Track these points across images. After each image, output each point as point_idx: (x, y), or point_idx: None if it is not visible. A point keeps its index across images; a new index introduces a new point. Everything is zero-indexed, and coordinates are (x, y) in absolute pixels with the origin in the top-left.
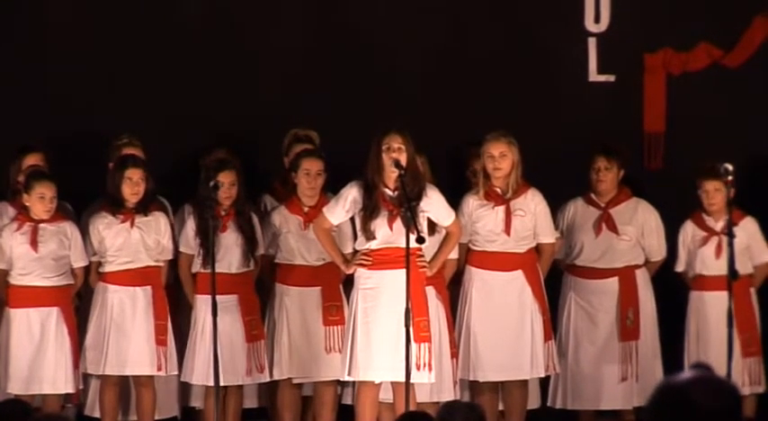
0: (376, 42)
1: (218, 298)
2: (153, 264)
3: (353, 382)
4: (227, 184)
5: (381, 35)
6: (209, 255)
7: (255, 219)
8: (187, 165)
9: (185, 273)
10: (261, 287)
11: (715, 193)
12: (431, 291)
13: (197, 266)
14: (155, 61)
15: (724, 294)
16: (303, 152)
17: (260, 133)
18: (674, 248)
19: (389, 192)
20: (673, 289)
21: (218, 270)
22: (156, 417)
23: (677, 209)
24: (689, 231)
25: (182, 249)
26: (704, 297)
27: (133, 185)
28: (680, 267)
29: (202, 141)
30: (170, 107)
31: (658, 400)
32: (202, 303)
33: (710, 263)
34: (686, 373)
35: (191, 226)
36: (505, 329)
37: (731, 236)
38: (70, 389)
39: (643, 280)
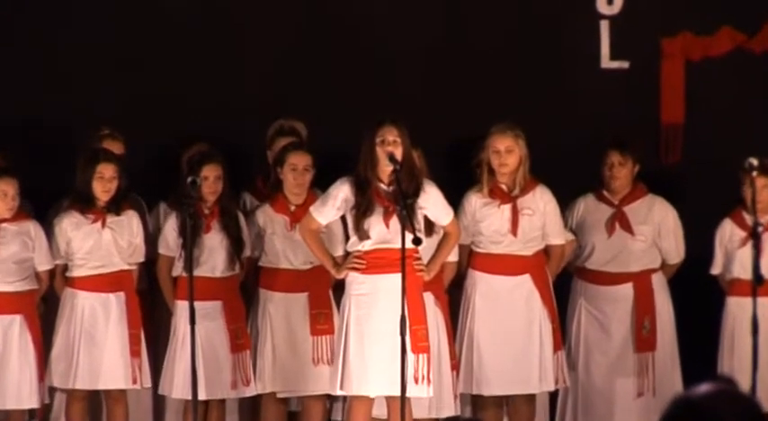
0: (369, 26)
1: (201, 304)
2: (126, 267)
3: (344, 397)
4: (211, 179)
5: (375, 19)
6: (189, 257)
7: (242, 218)
8: (161, 160)
9: (165, 277)
10: (245, 293)
11: (762, 190)
12: (429, 297)
13: (178, 270)
14: (128, 48)
15: (765, 301)
16: (289, 145)
17: (240, 124)
18: (700, 248)
19: (384, 188)
20: (692, 293)
21: (200, 274)
22: None
23: (697, 206)
24: (727, 230)
25: (161, 251)
26: (742, 303)
27: (105, 183)
28: (716, 270)
29: (176, 133)
30: (144, 97)
31: (673, 415)
32: (183, 310)
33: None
34: (705, 386)
35: (171, 225)
36: (511, 338)
37: (756, 237)
38: (35, 405)
39: (660, 285)
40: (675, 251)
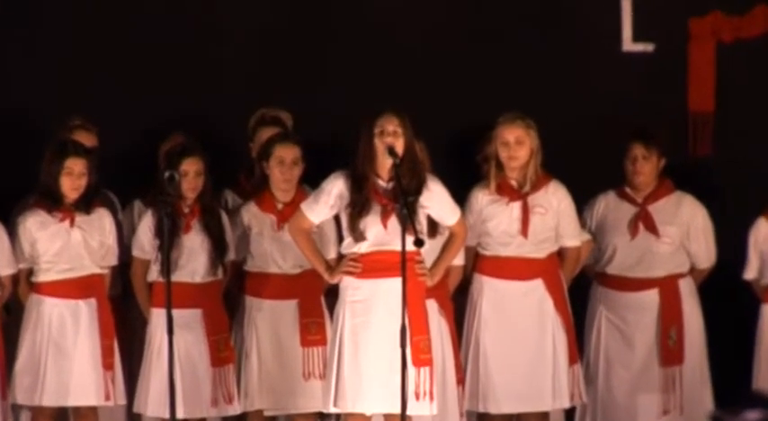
0: (365, 4)
1: (180, 312)
2: (97, 271)
3: (338, 415)
4: (192, 174)
5: None
6: (166, 260)
7: (225, 218)
8: (135, 152)
9: (139, 282)
10: (228, 300)
11: None
12: (432, 305)
13: (154, 274)
14: (100, 31)
15: None
16: (276, 137)
17: (219, 114)
18: (732, 251)
19: (382, 184)
20: (724, 300)
21: (179, 279)
22: None
23: (729, 204)
24: (762, 231)
25: (135, 254)
26: None
27: (74, 179)
28: (750, 274)
29: (151, 123)
30: (117, 84)
31: None
32: (160, 319)
33: None
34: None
35: (147, 225)
36: (522, 350)
37: None
38: None
39: (688, 291)
40: (705, 254)
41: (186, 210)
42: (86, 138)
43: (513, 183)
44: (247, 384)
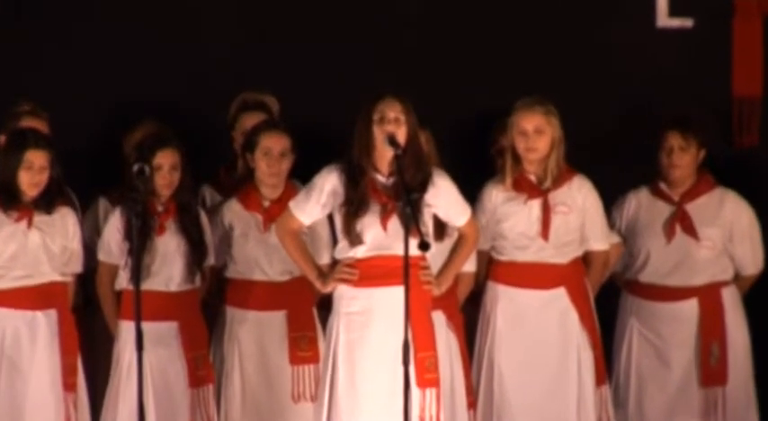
0: None
1: (152, 326)
2: (58, 278)
3: None
4: (166, 167)
5: None
6: (136, 266)
7: (204, 218)
8: (98, 143)
9: (106, 290)
10: (207, 311)
11: None
12: (439, 317)
13: (123, 282)
14: (55, 4)
15: None
16: (261, 125)
17: (195, 98)
18: None
19: (382, 180)
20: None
21: (152, 287)
22: None
23: None
24: None
25: (101, 258)
26: None
27: (34, 174)
28: None
29: (117, 109)
30: (75, 63)
31: None
32: (129, 333)
33: None
34: None
35: (115, 226)
36: (542, 370)
37: None
38: None
39: (732, 302)
40: (751, 259)
41: (160, 209)
42: (37, 126)
43: (532, 178)
44: (229, 407)
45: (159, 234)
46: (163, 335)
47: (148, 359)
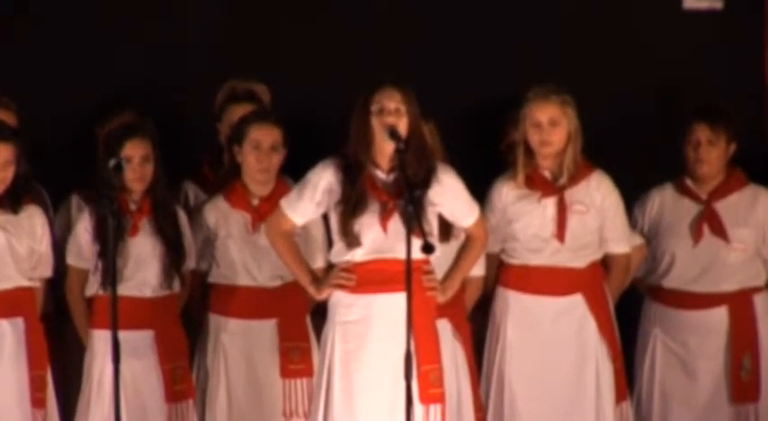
0: None
1: (126, 334)
2: (26, 283)
3: None
4: (137, 159)
5: None
6: (111, 270)
7: (183, 217)
8: (70, 136)
9: (76, 296)
10: (188, 319)
11: None
12: (445, 326)
13: (94, 288)
14: None
15: None
16: (250, 116)
17: (178, 87)
18: None
19: (382, 176)
20: None
21: (126, 293)
22: None
23: None
24: None
25: (71, 262)
26: None
27: None
28: None
29: (90, 99)
30: (44, 52)
31: None
32: (101, 342)
33: None
34: None
35: (84, 226)
36: (557, 384)
37: None
38: None
39: (765, 309)
40: None
41: (133, 207)
42: (4, 118)
43: (547, 174)
44: None
45: (132, 235)
46: (137, 345)
47: (122, 370)
